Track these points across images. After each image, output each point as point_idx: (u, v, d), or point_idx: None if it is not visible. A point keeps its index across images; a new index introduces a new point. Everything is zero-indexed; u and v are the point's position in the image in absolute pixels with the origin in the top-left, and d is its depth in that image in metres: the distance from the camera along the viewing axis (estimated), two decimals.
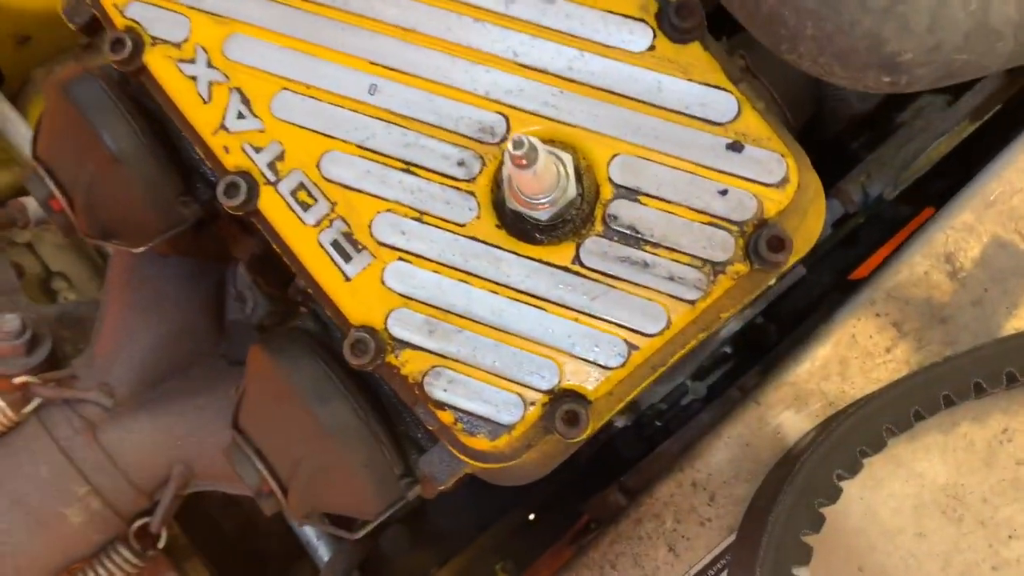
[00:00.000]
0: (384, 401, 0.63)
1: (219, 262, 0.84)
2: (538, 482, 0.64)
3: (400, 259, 0.59)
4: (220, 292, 0.85)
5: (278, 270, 0.69)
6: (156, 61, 0.63)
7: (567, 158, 0.55)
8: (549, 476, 0.64)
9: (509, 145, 0.48)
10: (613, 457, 0.97)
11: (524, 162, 0.49)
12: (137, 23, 0.63)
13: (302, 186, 0.60)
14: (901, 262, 0.69)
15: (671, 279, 0.56)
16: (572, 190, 0.55)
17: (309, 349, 0.63)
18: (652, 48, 0.58)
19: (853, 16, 0.49)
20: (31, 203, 1.04)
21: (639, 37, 0.58)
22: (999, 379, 0.60)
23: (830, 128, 1.01)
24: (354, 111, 0.60)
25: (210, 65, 0.62)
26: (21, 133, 1.25)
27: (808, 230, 0.61)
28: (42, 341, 0.89)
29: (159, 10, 0.63)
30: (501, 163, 0.58)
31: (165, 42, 0.63)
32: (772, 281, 0.60)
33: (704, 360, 0.94)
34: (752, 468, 0.65)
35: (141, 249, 0.70)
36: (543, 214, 0.55)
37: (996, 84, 0.95)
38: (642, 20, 0.58)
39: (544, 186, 0.52)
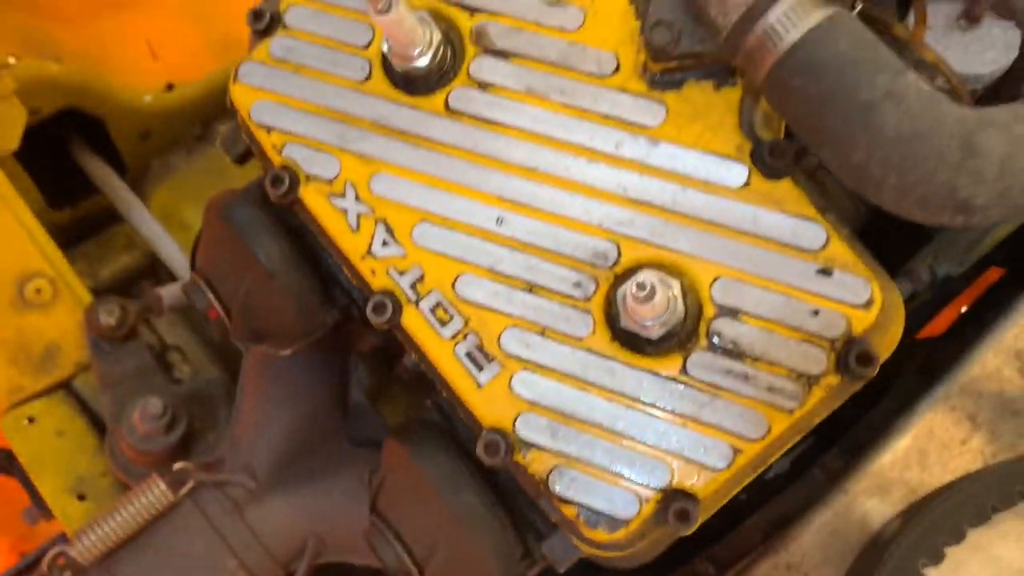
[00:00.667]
0: (503, 488, 0.71)
1: (344, 352, 0.93)
2: None
3: (525, 369, 0.67)
4: (344, 379, 0.94)
5: (391, 358, 0.77)
6: (310, 196, 0.73)
7: (675, 284, 0.63)
8: None
9: (633, 286, 0.57)
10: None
11: (642, 296, 0.57)
12: (293, 161, 0.73)
13: (439, 305, 0.69)
14: (974, 359, 0.75)
15: (770, 390, 0.63)
16: (680, 311, 0.63)
17: (443, 445, 0.71)
18: (747, 184, 0.66)
19: (931, 169, 0.56)
20: (167, 292, 1.15)
21: (735, 174, 0.66)
22: None
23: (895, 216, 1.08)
24: (484, 239, 0.69)
25: (358, 199, 0.72)
26: (143, 219, 1.37)
27: (891, 339, 0.68)
28: (179, 421, 1.00)
29: (313, 151, 0.73)
30: (612, 285, 0.66)
31: (318, 179, 0.73)
32: (858, 387, 0.67)
33: None
34: (841, 552, 0.72)
35: (288, 352, 0.79)
36: (655, 333, 0.63)
37: None
38: (737, 159, 0.66)
39: (657, 312, 0.61)
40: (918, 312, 1.09)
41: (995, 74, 0.89)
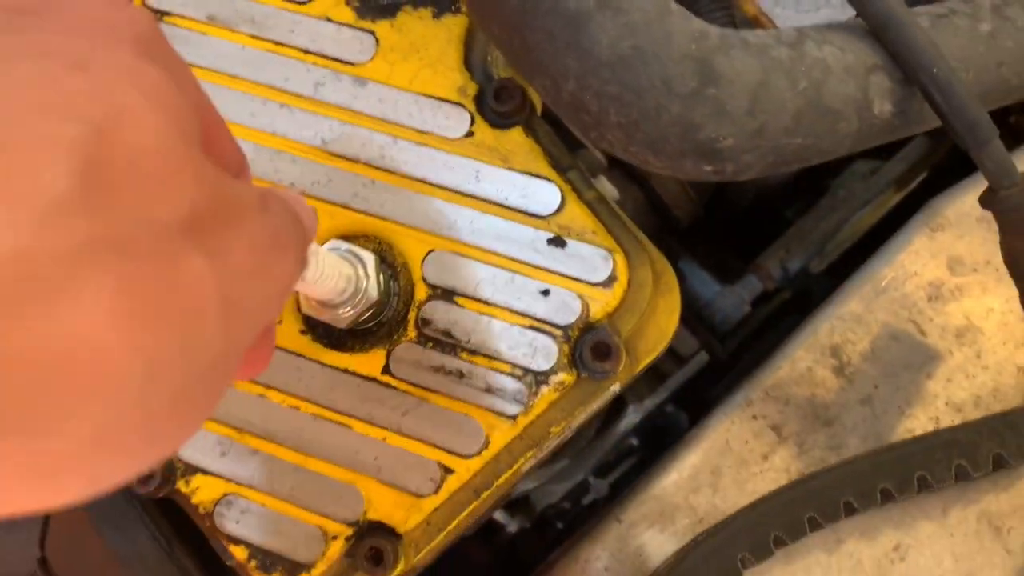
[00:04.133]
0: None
1: None
2: None
3: None
4: None
5: None
6: None
7: (368, 258, 0.49)
8: None
9: None
10: (514, 562, 0.89)
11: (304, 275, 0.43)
12: None
13: None
14: (781, 357, 0.62)
15: (488, 391, 0.49)
16: (373, 292, 0.49)
17: None
18: (470, 134, 0.52)
19: (659, 101, 0.43)
20: None
21: (456, 122, 0.52)
22: (873, 496, 0.53)
23: (737, 203, 0.96)
24: None
25: None
26: None
27: (658, 328, 0.54)
28: None
29: None
30: None
31: None
32: (617, 388, 0.53)
33: (608, 454, 0.87)
34: None
35: None
36: (342, 322, 0.49)
37: (920, 150, 0.90)
38: (460, 104, 0.52)
39: (329, 293, 0.46)
40: (784, 312, 0.98)
41: None
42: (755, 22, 0.77)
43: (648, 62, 0.43)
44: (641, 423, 0.85)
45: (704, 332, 0.91)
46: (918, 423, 0.61)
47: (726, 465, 0.60)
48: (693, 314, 0.95)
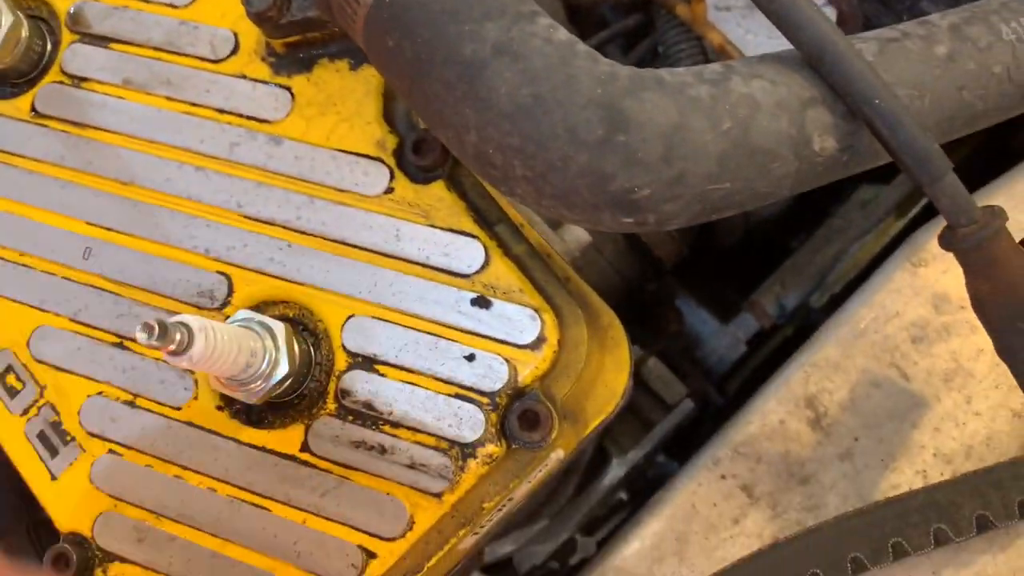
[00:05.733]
0: None
1: None
2: None
3: (111, 451, 0.50)
4: None
5: None
6: None
7: (278, 328, 0.46)
8: None
9: (136, 334, 0.39)
10: None
11: (172, 349, 0.40)
12: None
13: (10, 369, 0.52)
14: (751, 411, 0.58)
15: (412, 467, 0.46)
16: (285, 365, 0.46)
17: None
18: (390, 190, 0.49)
19: (565, 151, 0.39)
20: None
21: (375, 178, 0.49)
22: (843, 567, 0.48)
23: (727, 237, 0.91)
24: (67, 278, 0.52)
25: None
26: None
27: (607, 387, 0.50)
28: None
29: None
30: None
31: None
32: (561, 455, 0.49)
33: (594, 510, 0.83)
34: None
35: None
36: (253, 397, 0.46)
37: None
38: (378, 159, 0.50)
39: (229, 369, 0.43)
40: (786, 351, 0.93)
41: None
42: (721, 51, 0.73)
43: (550, 110, 0.39)
44: (628, 475, 0.81)
45: (699, 376, 0.87)
46: (904, 477, 0.56)
47: (692, 531, 0.56)
48: (687, 356, 0.90)
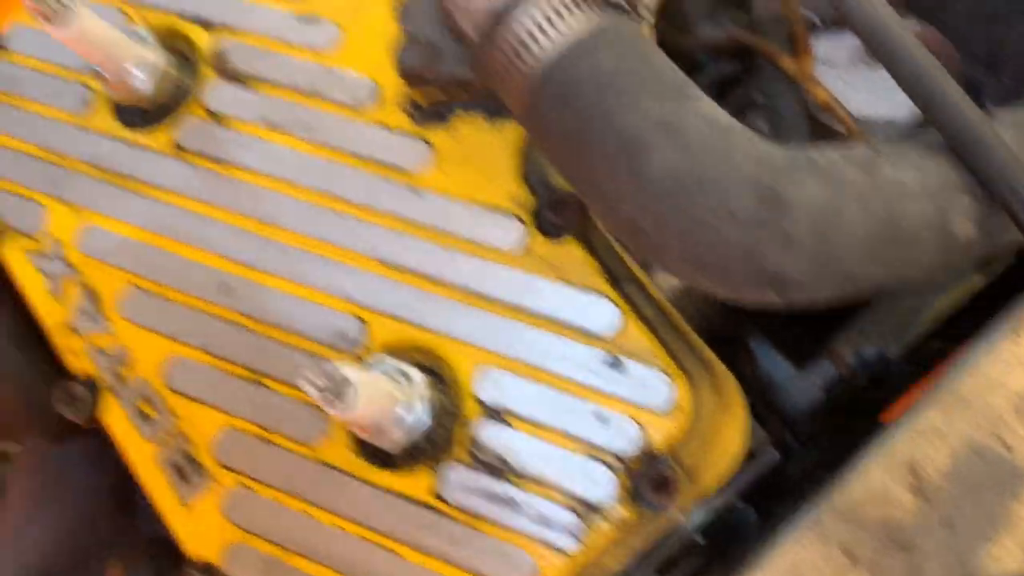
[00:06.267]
0: None
1: None
2: None
3: (242, 484, 0.51)
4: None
5: None
6: (11, 253, 0.58)
7: (417, 376, 0.48)
8: None
9: (303, 384, 0.41)
10: None
11: (341, 408, 0.41)
12: None
13: (145, 396, 0.54)
14: (853, 474, 0.58)
15: (542, 523, 0.47)
16: (425, 417, 0.47)
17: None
18: (525, 246, 0.51)
19: (720, 228, 0.41)
20: None
21: (510, 232, 0.51)
22: None
23: None
24: (203, 312, 0.54)
25: (62, 259, 0.57)
26: None
27: (725, 452, 0.52)
28: None
29: (19, 199, 0.59)
30: None
31: (20, 233, 0.58)
32: (681, 519, 0.50)
33: (672, 550, 0.83)
34: None
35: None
36: (389, 444, 0.48)
37: None
38: (514, 214, 0.51)
39: (372, 420, 0.45)
40: (856, 402, 0.93)
41: (909, 118, 0.74)
42: (826, 108, 0.74)
43: (708, 187, 0.41)
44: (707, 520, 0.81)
45: (774, 420, 0.87)
46: (1005, 551, 0.56)
47: None
48: (763, 401, 0.91)
